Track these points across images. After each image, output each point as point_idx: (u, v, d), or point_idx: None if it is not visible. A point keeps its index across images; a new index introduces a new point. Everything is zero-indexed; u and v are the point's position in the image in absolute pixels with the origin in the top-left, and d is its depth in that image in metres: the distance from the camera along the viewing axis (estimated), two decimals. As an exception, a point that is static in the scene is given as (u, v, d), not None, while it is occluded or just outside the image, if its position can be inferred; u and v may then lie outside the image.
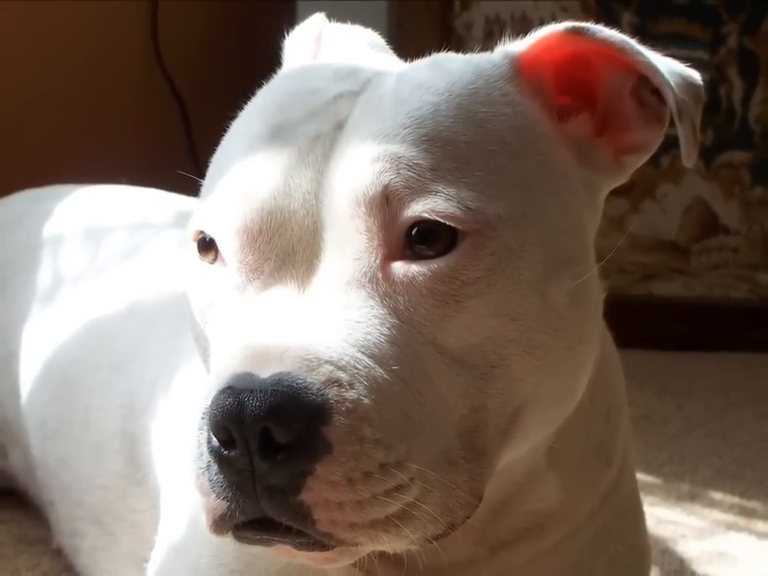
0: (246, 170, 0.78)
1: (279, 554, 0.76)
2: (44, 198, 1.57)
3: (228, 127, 0.86)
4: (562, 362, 0.79)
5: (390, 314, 0.73)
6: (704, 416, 2.13)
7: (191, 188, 0.89)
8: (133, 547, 1.16)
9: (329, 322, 0.72)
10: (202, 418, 0.71)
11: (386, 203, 0.74)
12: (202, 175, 0.86)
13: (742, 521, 1.60)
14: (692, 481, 1.75)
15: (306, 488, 0.68)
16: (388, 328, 0.73)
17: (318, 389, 0.68)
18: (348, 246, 0.75)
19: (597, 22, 0.84)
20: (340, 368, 0.69)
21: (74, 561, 1.29)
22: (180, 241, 1.21)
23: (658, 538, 1.47)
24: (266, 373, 0.69)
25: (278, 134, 0.79)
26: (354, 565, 0.83)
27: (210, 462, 0.70)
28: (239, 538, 0.73)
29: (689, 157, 0.83)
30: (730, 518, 1.61)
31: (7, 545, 1.38)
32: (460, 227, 0.74)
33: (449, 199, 0.73)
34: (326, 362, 0.69)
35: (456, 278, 0.74)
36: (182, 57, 2.70)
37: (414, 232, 0.74)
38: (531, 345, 0.76)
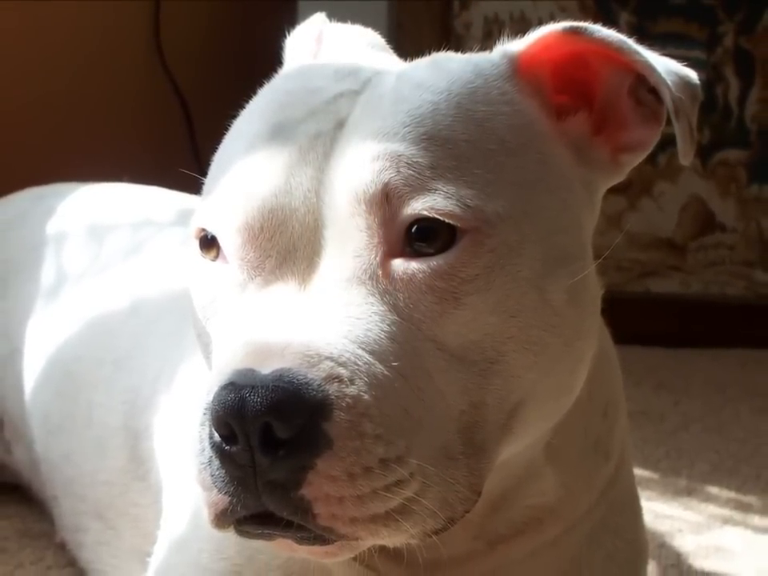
0: (248, 169, 0.79)
1: (280, 548, 0.77)
2: (47, 196, 1.57)
3: (230, 126, 0.86)
4: (560, 358, 0.80)
5: (389, 310, 0.74)
6: (701, 412, 2.14)
7: (193, 186, 0.90)
8: (135, 542, 1.16)
9: (329, 319, 0.72)
10: (204, 414, 0.71)
11: (386, 201, 0.74)
12: (204, 173, 0.86)
13: (738, 515, 1.61)
14: (689, 476, 1.76)
15: (307, 483, 0.68)
16: (388, 325, 0.73)
17: (318, 385, 0.69)
18: (348, 244, 0.75)
19: (595, 22, 0.85)
20: (340, 364, 0.70)
21: (77, 555, 1.29)
22: (182, 238, 1.22)
23: (656, 533, 1.48)
24: (267, 369, 0.69)
25: (279, 133, 0.79)
26: (355, 559, 0.84)
27: (211, 457, 0.71)
28: (241, 532, 0.74)
29: (686, 155, 0.83)
30: (726, 512, 1.61)
31: (11, 539, 1.39)
32: (459, 225, 0.74)
33: (448, 197, 0.74)
34: (327, 358, 0.70)
35: (455, 275, 0.75)
36: (185, 56, 2.70)
37: (413, 229, 0.75)
38: (529, 341, 0.77)
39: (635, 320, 2.37)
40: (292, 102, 0.81)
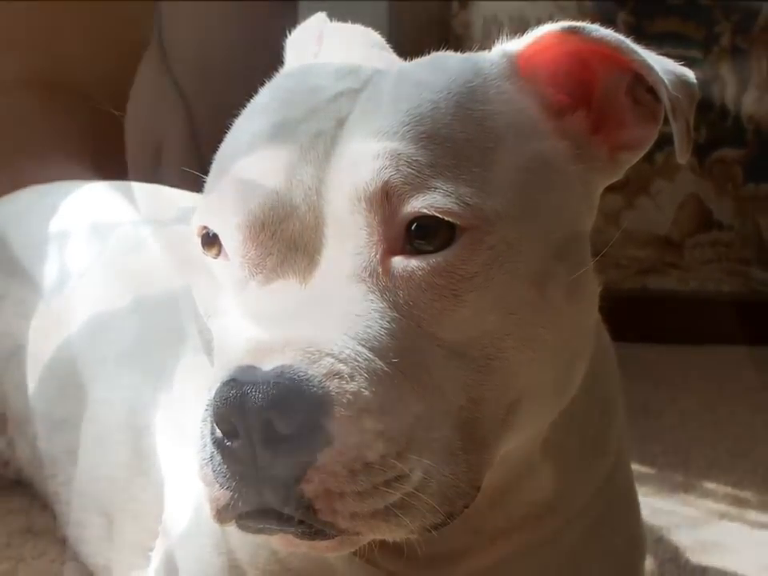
0: (249, 167, 0.79)
1: (281, 542, 0.77)
2: (49, 193, 1.57)
3: (231, 125, 0.87)
4: (559, 354, 0.80)
5: (389, 307, 0.74)
6: (698, 408, 2.14)
7: (195, 184, 0.90)
8: (137, 537, 1.16)
9: (330, 316, 0.73)
10: (206, 410, 0.72)
11: (386, 199, 0.75)
12: (206, 171, 0.86)
13: (734, 510, 1.61)
14: (686, 471, 1.76)
15: (308, 478, 0.69)
16: (388, 321, 0.73)
17: (319, 381, 0.69)
18: (349, 241, 0.75)
19: (593, 22, 0.85)
20: (341, 360, 0.70)
21: (80, 550, 1.29)
22: (184, 236, 1.22)
23: (653, 528, 1.48)
24: (268, 365, 0.69)
25: (279, 132, 0.80)
26: (355, 553, 0.84)
27: (213, 452, 0.71)
28: (242, 527, 0.74)
29: (683, 154, 0.84)
30: (723, 507, 1.61)
31: (14, 534, 1.39)
32: (458, 223, 0.75)
33: (447, 195, 0.74)
34: (327, 354, 0.70)
35: (454, 273, 0.75)
36: (185, 56, 2.70)
37: (413, 227, 0.75)
38: (528, 338, 0.77)
39: (633, 317, 2.37)
40: (293, 101, 0.82)
